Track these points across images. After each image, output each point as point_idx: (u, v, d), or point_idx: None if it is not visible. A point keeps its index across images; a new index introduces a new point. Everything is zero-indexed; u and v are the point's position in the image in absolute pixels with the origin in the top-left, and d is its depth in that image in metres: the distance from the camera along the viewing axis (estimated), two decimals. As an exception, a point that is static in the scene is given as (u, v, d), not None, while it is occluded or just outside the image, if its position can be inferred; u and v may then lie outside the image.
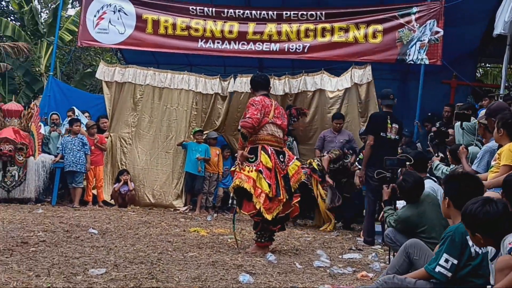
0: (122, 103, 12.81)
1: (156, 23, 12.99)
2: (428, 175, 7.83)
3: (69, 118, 12.40)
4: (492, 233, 3.56)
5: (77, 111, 12.80)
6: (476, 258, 3.88)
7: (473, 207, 3.60)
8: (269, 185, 7.04)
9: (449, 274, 3.88)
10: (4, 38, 22.92)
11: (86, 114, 13.02)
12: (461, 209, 3.91)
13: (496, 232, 3.56)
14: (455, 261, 3.86)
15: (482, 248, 3.85)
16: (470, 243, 3.86)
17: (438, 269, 3.91)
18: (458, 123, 9.02)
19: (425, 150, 10.07)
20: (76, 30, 17.98)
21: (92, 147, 12.18)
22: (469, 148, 7.95)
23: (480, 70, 20.43)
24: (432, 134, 11.12)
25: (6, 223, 8.62)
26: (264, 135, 7.26)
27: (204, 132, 12.59)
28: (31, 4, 22.37)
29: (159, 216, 11.01)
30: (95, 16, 13.21)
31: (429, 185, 7.04)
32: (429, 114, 12.59)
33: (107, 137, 12.68)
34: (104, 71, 12.98)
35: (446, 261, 3.88)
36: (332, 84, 12.18)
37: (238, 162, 7.34)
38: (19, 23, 23.91)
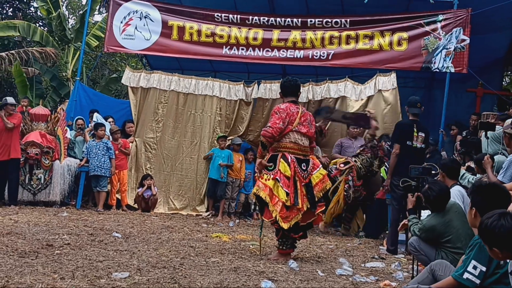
0: (147, 109, 12.89)
1: (181, 29, 13.07)
2: (458, 182, 7.76)
3: (94, 123, 12.52)
4: (509, 247, 3.50)
5: (97, 116, 12.91)
6: (504, 266, 3.82)
7: (488, 221, 3.53)
8: (287, 194, 7.01)
9: (478, 281, 3.83)
10: (32, 44, 23.25)
11: (110, 120, 13.12)
12: None
13: None
14: (484, 268, 3.82)
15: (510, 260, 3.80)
16: None
17: (466, 275, 3.87)
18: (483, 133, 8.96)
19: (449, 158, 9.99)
20: (103, 36, 18.21)
21: (116, 152, 12.29)
22: (495, 157, 7.88)
23: (507, 78, 20.22)
24: (458, 143, 11.06)
25: (31, 226, 8.73)
26: (286, 143, 7.23)
27: (228, 138, 12.65)
28: (59, 10, 22.64)
29: (181, 221, 11.05)
30: (121, 22, 13.32)
31: (458, 191, 6.97)
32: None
33: (132, 142, 12.78)
34: (129, 77, 13.09)
35: (475, 267, 3.84)
36: (356, 92, 12.11)
37: (256, 170, 7.36)
38: (47, 29, 24.22)
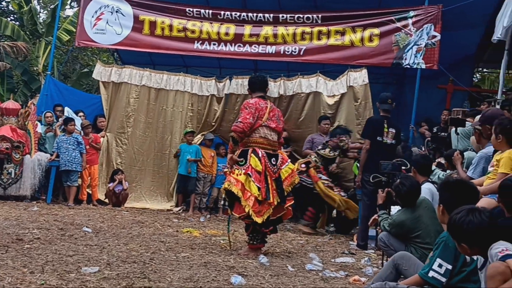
0: (119, 103, 12.81)
1: (153, 24, 12.99)
2: (429, 179, 7.83)
3: (63, 117, 12.42)
4: (477, 242, 3.54)
5: (68, 111, 12.81)
6: (471, 264, 3.85)
7: (457, 217, 3.57)
8: (259, 188, 7.02)
9: (443, 280, 3.84)
10: (4, 38, 22.95)
11: (81, 114, 13.02)
12: None
13: (481, 241, 3.53)
14: (449, 266, 3.82)
15: (479, 257, 3.83)
16: None
17: (431, 274, 3.88)
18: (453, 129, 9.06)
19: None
20: (74, 30, 18.02)
21: (87, 146, 12.20)
22: (465, 153, 7.96)
23: (477, 75, 20.46)
24: (429, 139, 11.16)
25: (1, 220, 8.64)
26: (256, 138, 7.24)
27: (201, 134, 12.63)
28: (31, 4, 22.41)
29: (152, 216, 11.00)
30: (92, 16, 13.22)
31: (427, 188, 7.03)
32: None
33: (103, 137, 12.71)
34: (101, 71, 12.98)
35: (440, 266, 3.85)
36: (328, 88, 12.13)
37: (227, 166, 7.36)
38: (18, 23, 23.98)
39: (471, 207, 3.64)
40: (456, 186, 4.16)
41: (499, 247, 3.43)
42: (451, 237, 3.72)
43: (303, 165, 10.40)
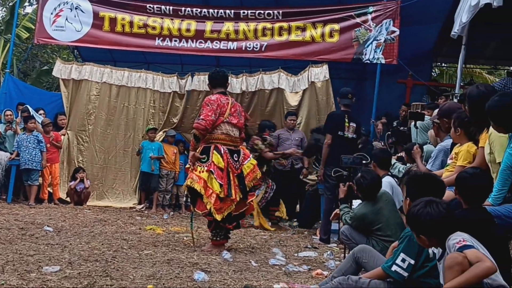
0: (79, 101, 12.69)
1: (113, 20, 12.87)
2: (389, 173, 7.94)
3: (24, 116, 12.22)
4: (435, 234, 3.60)
5: (29, 109, 12.64)
6: (433, 260, 3.88)
7: (415, 210, 3.62)
8: (221, 185, 7.03)
9: (406, 274, 3.88)
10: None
11: (41, 112, 12.84)
12: None
13: (438, 233, 3.60)
14: (412, 261, 3.86)
15: (438, 248, 3.89)
16: None
17: (394, 268, 3.92)
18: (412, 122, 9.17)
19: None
20: (33, 27, 17.67)
21: (48, 145, 12.05)
22: (424, 146, 8.08)
23: (436, 69, 20.76)
24: (389, 133, 11.29)
25: (-40, 221, 8.50)
26: (218, 134, 7.24)
27: (163, 131, 12.59)
28: (-12, 2, 21.98)
29: (115, 214, 10.94)
30: (52, 13, 13.04)
31: (387, 182, 7.12)
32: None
33: (63, 135, 12.57)
34: (61, 69, 12.85)
35: (403, 260, 3.88)
36: (289, 84, 12.22)
37: (190, 163, 7.35)
38: (-24, 20, 23.47)
39: (429, 199, 3.67)
40: (422, 180, 4.20)
41: (457, 238, 3.49)
42: (410, 229, 3.78)
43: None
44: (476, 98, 5.04)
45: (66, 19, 12.99)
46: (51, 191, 12.20)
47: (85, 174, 12.20)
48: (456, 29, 9.93)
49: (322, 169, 9.21)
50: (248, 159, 7.50)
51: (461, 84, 11.60)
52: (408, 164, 8.36)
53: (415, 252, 3.88)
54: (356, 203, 6.81)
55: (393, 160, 8.54)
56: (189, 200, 8.19)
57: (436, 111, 8.47)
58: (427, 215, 3.56)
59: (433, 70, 19.11)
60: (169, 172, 12.42)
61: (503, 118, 4.48)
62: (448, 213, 3.64)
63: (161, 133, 12.65)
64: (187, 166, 7.57)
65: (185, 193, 8.09)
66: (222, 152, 7.16)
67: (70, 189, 12.18)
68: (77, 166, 12.45)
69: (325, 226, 8.94)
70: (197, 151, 7.23)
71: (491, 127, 4.70)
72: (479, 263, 3.30)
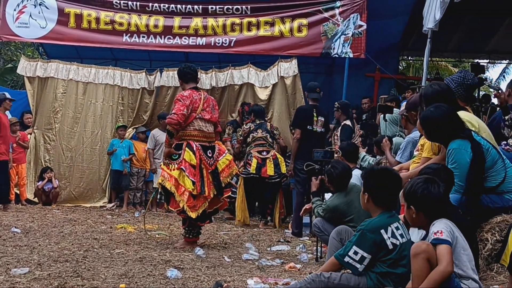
0: (45, 99, 12.49)
1: (79, 17, 12.67)
2: (357, 166, 7.99)
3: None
4: (424, 211, 3.73)
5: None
6: (394, 250, 3.90)
7: (415, 182, 3.78)
8: (193, 183, 7.00)
9: (359, 266, 3.89)
10: None
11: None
12: (380, 205, 4.03)
13: (428, 211, 3.74)
14: (366, 254, 3.86)
15: (402, 238, 3.93)
16: (385, 236, 3.91)
17: (346, 259, 3.93)
18: (381, 115, 9.25)
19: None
20: (-5, 24, 17.41)
21: (14, 145, 11.84)
22: (393, 139, 8.16)
23: (403, 63, 20.96)
24: (358, 126, 11.37)
25: None
26: (191, 131, 7.20)
27: (133, 127, 12.48)
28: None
29: (85, 213, 10.82)
30: (14, 10, 12.78)
31: (357, 175, 7.20)
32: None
33: (30, 134, 12.37)
34: (25, 66, 12.64)
35: (355, 253, 3.89)
36: (259, 79, 12.22)
37: (164, 160, 7.30)
38: None
39: (432, 178, 3.82)
40: (379, 175, 4.23)
41: (438, 227, 3.59)
42: (404, 200, 3.91)
43: None
44: (431, 96, 5.15)
45: (30, 15, 12.75)
46: (18, 192, 11.99)
47: (53, 173, 12.04)
48: (430, 25, 10.00)
49: (292, 164, 9.25)
50: (224, 154, 7.47)
51: (427, 77, 11.70)
52: (378, 157, 8.44)
53: (368, 246, 3.88)
54: (327, 196, 6.85)
55: (363, 153, 8.61)
56: (163, 197, 8.11)
57: (403, 104, 8.57)
58: (424, 190, 3.71)
59: (400, 64, 19.27)
60: (139, 170, 12.34)
61: (434, 131, 4.66)
62: (444, 197, 3.81)
63: (130, 129, 12.55)
64: (161, 165, 7.50)
65: (159, 190, 7.98)
66: (195, 148, 7.11)
67: (37, 189, 12.01)
68: (44, 165, 12.26)
69: (297, 219, 8.97)
70: (172, 147, 7.18)
71: None
72: (436, 268, 3.43)
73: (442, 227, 3.58)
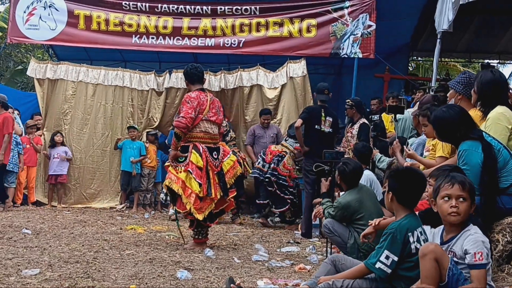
0: (55, 101, 12.55)
1: (88, 18, 12.73)
2: (368, 167, 7.96)
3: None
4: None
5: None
6: (416, 255, 3.84)
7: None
8: (200, 185, 7.00)
9: (389, 271, 3.88)
10: None
11: (17, 112, 12.67)
12: (404, 204, 4.01)
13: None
14: (396, 258, 3.86)
15: (423, 243, 3.89)
16: (411, 239, 3.89)
17: (378, 265, 3.91)
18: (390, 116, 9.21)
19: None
20: (6, 26, 17.47)
21: (28, 146, 11.94)
22: (409, 140, 8.12)
23: (412, 63, 20.88)
24: (372, 127, 11.33)
25: None
26: (197, 133, 7.20)
27: (146, 131, 12.54)
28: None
29: (95, 214, 10.85)
30: (24, 12, 12.86)
31: (366, 176, 7.17)
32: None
33: (40, 135, 12.42)
34: (35, 68, 12.69)
35: (387, 257, 3.88)
36: (268, 80, 12.22)
37: (170, 162, 7.28)
38: None
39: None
40: (404, 174, 4.22)
41: (478, 247, 3.55)
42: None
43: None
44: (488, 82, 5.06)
45: (40, 17, 12.83)
46: (26, 194, 12.04)
47: (63, 139, 12.32)
48: (444, 26, 9.96)
49: (304, 148, 9.20)
50: (228, 155, 7.46)
51: (437, 77, 11.66)
52: (393, 157, 8.41)
53: (398, 249, 3.88)
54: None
55: (378, 154, 8.55)
56: (169, 199, 8.13)
57: (416, 104, 8.55)
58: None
59: (410, 64, 19.21)
60: (150, 172, 12.36)
61: (445, 131, 4.64)
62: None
63: (144, 132, 12.60)
64: (166, 164, 7.49)
65: (165, 191, 7.98)
66: (201, 150, 7.11)
67: (46, 155, 12.26)
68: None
69: (307, 221, 8.95)
70: (179, 149, 7.18)
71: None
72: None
73: (482, 247, 3.56)
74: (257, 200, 10.47)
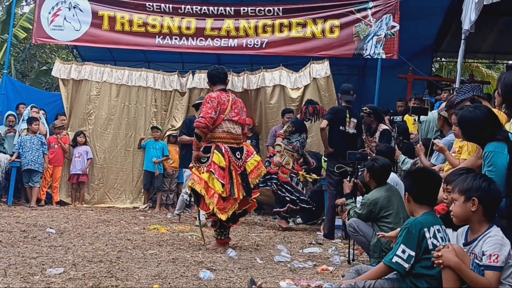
0: (79, 101, 12.66)
1: (112, 19, 12.81)
2: (392, 169, 7.90)
3: (30, 116, 12.16)
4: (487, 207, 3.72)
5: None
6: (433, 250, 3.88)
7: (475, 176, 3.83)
8: (223, 185, 7.00)
9: (406, 265, 3.87)
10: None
11: (42, 112, 12.80)
12: (421, 202, 4.02)
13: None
14: (412, 252, 3.86)
15: (442, 241, 3.87)
16: (427, 235, 3.88)
17: (395, 259, 3.91)
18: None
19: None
20: (31, 27, 17.65)
21: (56, 146, 12.08)
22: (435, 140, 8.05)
23: (435, 64, 20.73)
24: (395, 129, 11.26)
25: (-39, 224, 8.45)
26: (219, 133, 7.20)
27: (169, 133, 12.62)
28: (-16, 1, 21.87)
29: (118, 214, 10.92)
30: (49, 13, 12.97)
31: (391, 177, 7.12)
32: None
33: (65, 135, 12.53)
34: (60, 69, 12.80)
35: (403, 251, 3.88)
36: (291, 81, 12.21)
37: (193, 163, 7.29)
38: (-28, 21, 23.34)
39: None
40: (418, 175, 4.23)
41: (496, 249, 3.55)
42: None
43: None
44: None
45: (65, 18, 12.93)
46: (50, 193, 12.16)
47: (85, 139, 12.44)
48: (466, 26, 9.91)
49: (328, 149, 9.13)
50: (252, 155, 7.46)
51: (461, 78, 11.56)
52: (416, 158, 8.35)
53: (414, 243, 3.87)
54: (360, 199, 6.79)
55: (402, 156, 8.50)
56: (193, 199, 8.14)
57: (443, 104, 8.45)
58: (490, 184, 3.78)
59: (433, 65, 19.07)
60: (173, 172, 12.40)
61: (471, 131, 4.58)
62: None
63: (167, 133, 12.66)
64: (190, 165, 7.50)
65: (189, 192, 7.98)
66: (223, 151, 7.11)
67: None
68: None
69: (329, 222, 8.93)
70: (201, 150, 7.19)
71: None
72: (481, 280, 3.51)
73: (499, 250, 3.55)
74: (273, 210, 10.36)
